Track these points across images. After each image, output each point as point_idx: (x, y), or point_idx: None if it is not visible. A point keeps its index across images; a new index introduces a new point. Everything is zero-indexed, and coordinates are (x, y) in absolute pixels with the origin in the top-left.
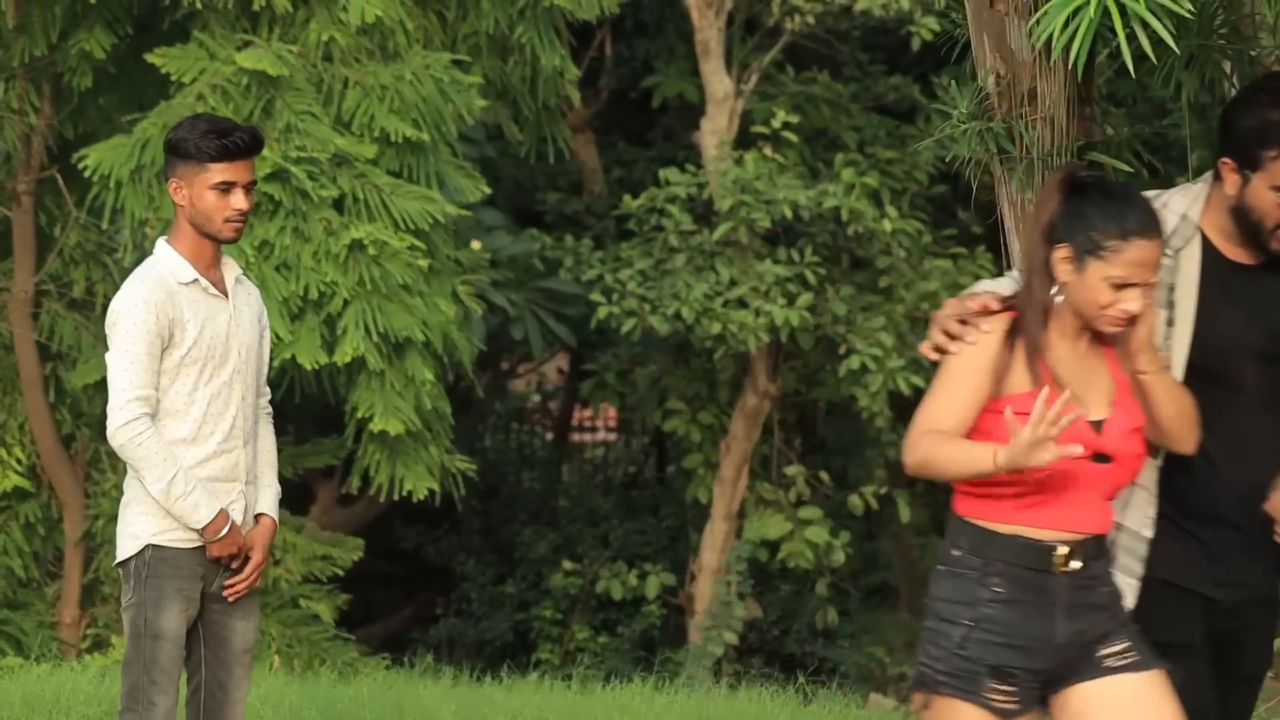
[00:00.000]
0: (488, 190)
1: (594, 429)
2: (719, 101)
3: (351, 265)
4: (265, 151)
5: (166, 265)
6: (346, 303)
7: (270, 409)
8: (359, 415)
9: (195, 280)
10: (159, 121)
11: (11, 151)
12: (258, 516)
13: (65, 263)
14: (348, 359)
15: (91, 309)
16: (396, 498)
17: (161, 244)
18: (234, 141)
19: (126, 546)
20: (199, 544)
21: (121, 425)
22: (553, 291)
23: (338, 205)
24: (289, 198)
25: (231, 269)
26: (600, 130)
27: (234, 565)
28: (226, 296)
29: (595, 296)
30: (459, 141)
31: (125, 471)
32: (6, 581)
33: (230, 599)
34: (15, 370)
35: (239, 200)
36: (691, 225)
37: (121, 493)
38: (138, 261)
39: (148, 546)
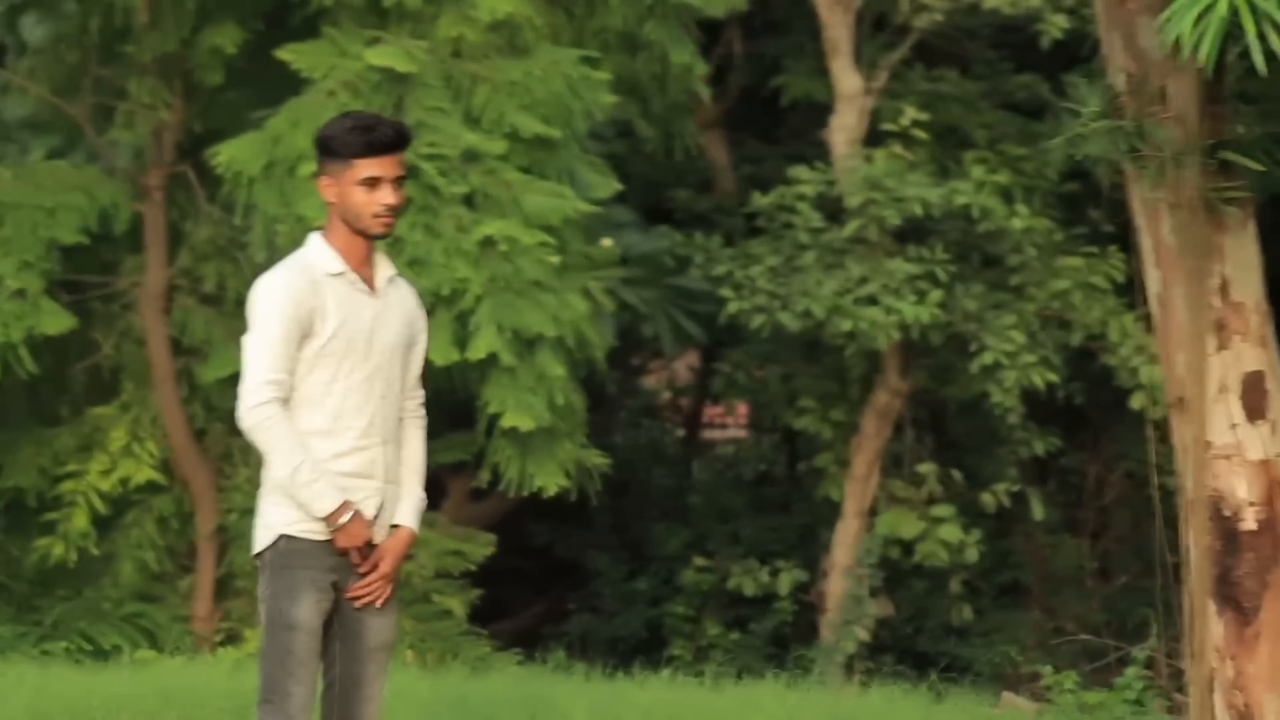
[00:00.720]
0: (618, 187)
1: (725, 426)
2: (848, 99)
3: (483, 262)
4: None
5: (315, 256)
6: (478, 299)
7: (423, 414)
8: (490, 411)
9: (342, 274)
10: (290, 118)
11: (143, 146)
12: (394, 527)
13: (197, 258)
14: (480, 355)
15: (223, 304)
16: (526, 494)
17: (314, 236)
18: (379, 137)
19: (261, 537)
20: (331, 536)
21: (251, 407)
22: (683, 288)
23: (468, 202)
24: (420, 194)
25: (385, 268)
26: (729, 127)
27: (361, 569)
28: (375, 293)
29: (725, 293)
30: (588, 138)
31: (259, 464)
32: (140, 575)
33: (356, 606)
34: (148, 365)
35: (387, 195)
36: (821, 222)
37: (255, 487)
38: (269, 257)
39: (281, 537)
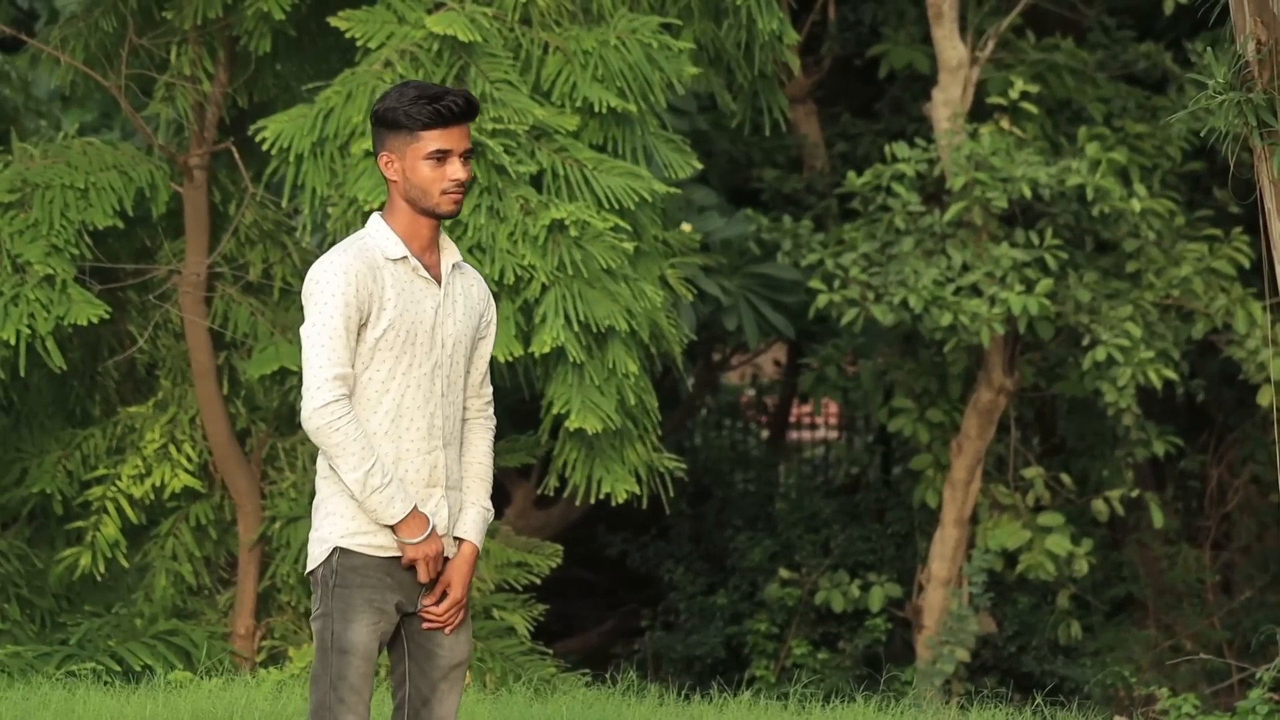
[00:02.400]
0: (699, 166)
1: (813, 427)
2: (952, 70)
3: (551, 247)
4: None
5: (375, 238)
6: (545, 288)
7: (490, 415)
8: (555, 411)
9: (404, 258)
10: (343, 90)
11: (184, 122)
12: (459, 541)
13: (240, 243)
14: (546, 349)
15: (269, 293)
16: (594, 500)
17: (375, 218)
18: (447, 106)
19: (315, 552)
20: (393, 553)
21: (320, 406)
22: (769, 277)
23: (536, 182)
24: (484, 174)
25: (451, 253)
26: (822, 101)
27: (427, 601)
28: (439, 282)
29: (815, 284)
30: (668, 113)
31: (307, 469)
32: (175, 589)
33: (425, 629)
34: (186, 360)
35: (456, 170)
36: (921, 205)
37: (301, 493)
38: (319, 242)
39: (336, 551)
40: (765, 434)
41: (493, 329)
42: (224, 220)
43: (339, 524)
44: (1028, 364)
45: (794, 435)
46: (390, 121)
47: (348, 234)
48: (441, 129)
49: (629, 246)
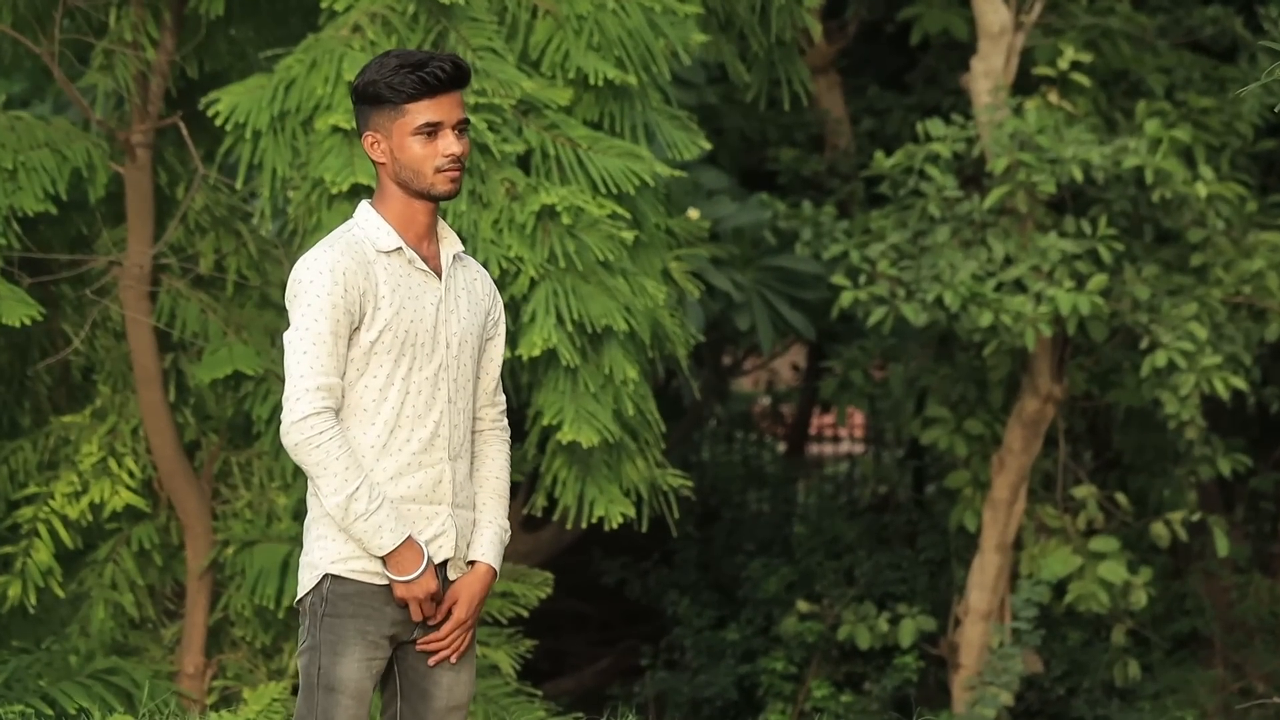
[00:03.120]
0: (708, 146)
1: (836, 439)
2: (993, 37)
3: (540, 237)
4: None
5: (364, 229)
6: (534, 283)
7: (505, 426)
8: (545, 422)
9: (399, 249)
10: (306, 58)
11: (125, 94)
12: (471, 563)
13: (189, 231)
14: (535, 352)
15: (221, 288)
16: (585, 525)
17: (364, 206)
18: (433, 72)
19: (304, 580)
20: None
21: (298, 420)
22: (787, 271)
23: (523, 163)
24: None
25: (451, 243)
26: (847, 72)
27: (430, 621)
28: (439, 275)
29: (838, 279)
30: (672, 86)
31: (264, 487)
32: (116, 622)
33: (430, 663)
34: (128, 363)
35: (450, 143)
36: (958, 190)
37: (258, 514)
38: (280, 230)
39: (326, 578)
40: (782, 448)
41: (502, 328)
42: (171, 205)
43: (330, 548)
44: (1078, 369)
45: (814, 449)
46: (372, 96)
47: (311, 221)
48: (430, 99)
49: (628, 236)
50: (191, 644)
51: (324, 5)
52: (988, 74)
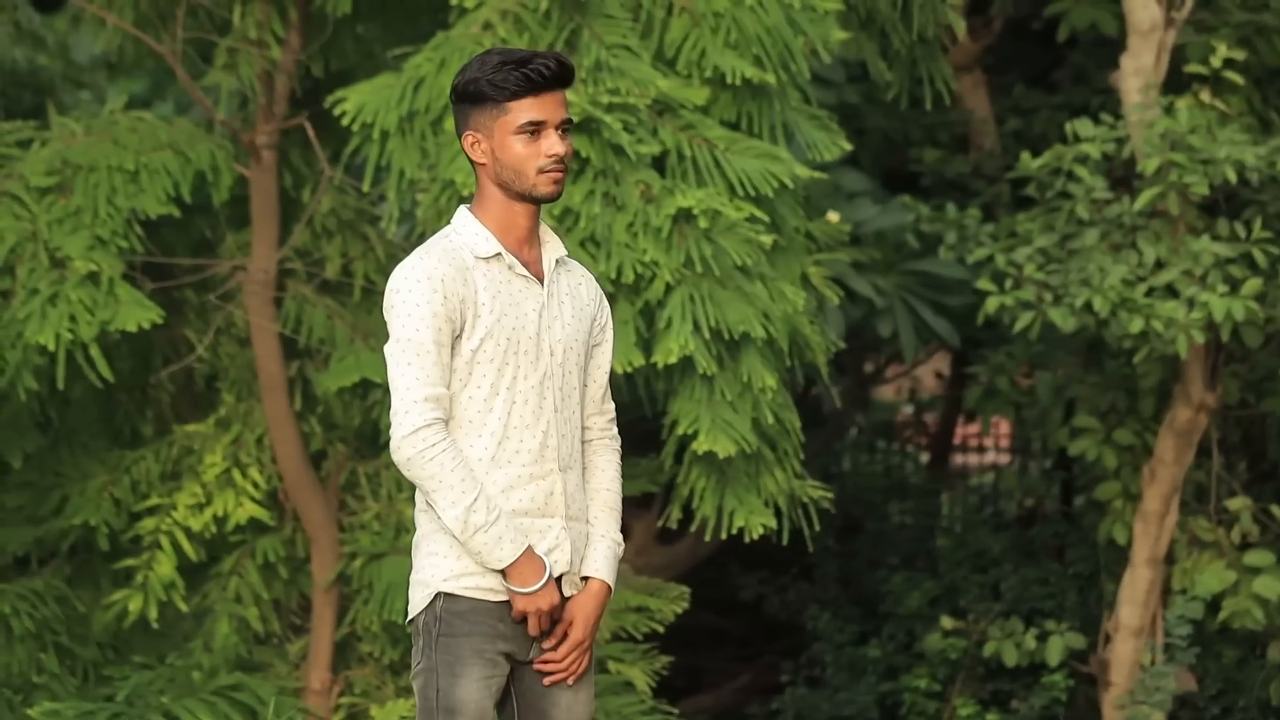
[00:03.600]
0: (848, 147)
1: (981, 449)
2: (1144, 33)
3: (676, 241)
4: (570, 95)
5: (463, 235)
6: (669, 288)
7: (615, 435)
8: (680, 431)
9: (498, 255)
10: (436, 57)
11: (249, 94)
12: (585, 580)
13: (316, 235)
14: (671, 359)
15: (348, 293)
16: (725, 535)
17: (462, 212)
18: (536, 70)
19: (415, 598)
20: (506, 596)
21: (409, 434)
22: (931, 276)
23: (659, 165)
24: (598, 154)
25: (554, 247)
26: (992, 70)
27: (546, 643)
28: (541, 281)
29: (984, 284)
30: (812, 85)
31: (392, 498)
32: (240, 637)
33: (545, 684)
34: (252, 370)
35: (553, 143)
36: (1107, 192)
37: (386, 526)
38: (409, 234)
39: (439, 596)
40: (925, 458)
41: (609, 334)
42: (296, 208)
43: (442, 565)
44: (1232, 377)
45: (958, 460)
46: (472, 94)
47: (441, 224)
48: (533, 97)
49: (767, 240)
50: (318, 660)
51: (454, 2)
52: (1138, 72)
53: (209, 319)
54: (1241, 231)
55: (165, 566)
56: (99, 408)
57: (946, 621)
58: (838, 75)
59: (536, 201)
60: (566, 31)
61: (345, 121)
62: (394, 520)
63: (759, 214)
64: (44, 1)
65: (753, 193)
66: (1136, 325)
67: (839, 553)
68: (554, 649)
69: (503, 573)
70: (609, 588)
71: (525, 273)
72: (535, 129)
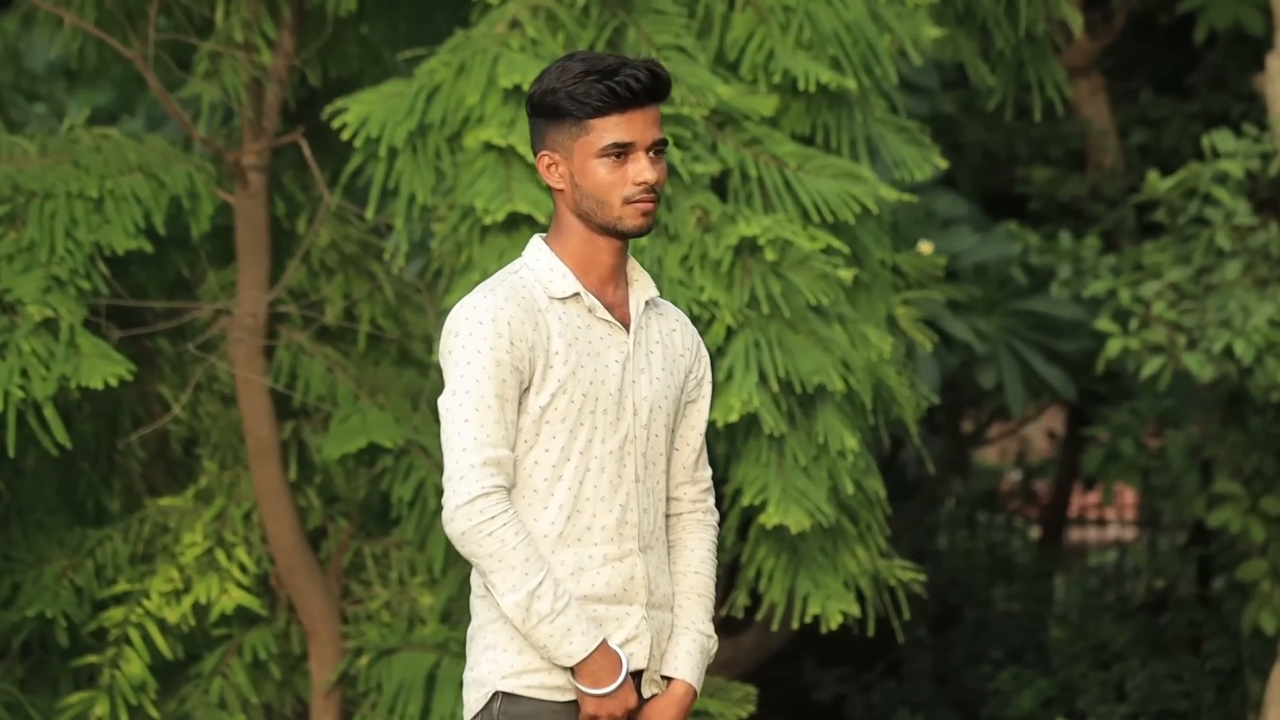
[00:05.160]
0: (943, 164)
1: (1103, 523)
2: None
3: (739, 276)
4: None
5: (535, 271)
6: (731, 332)
7: (712, 510)
8: (745, 502)
9: (577, 295)
10: (453, 60)
11: (235, 107)
12: (667, 680)
13: (313, 272)
14: (733, 417)
15: (352, 342)
16: (798, 625)
17: (535, 243)
18: (625, 82)
19: (471, 700)
20: (573, 695)
21: (464, 503)
22: (1041, 316)
23: (719, 186)
24: None
25: (644, 287)
26: (1114, 74)
27: None
28: (627, 328)
29: (1104, 324)
30: (900, 92)
31: (404, 583)
32: None
33: None
34: (239, 433)
35: (642, 169)
36: (1251, 217)
37: (398, 616)
38: (422, 270)
39: (496, 696)
40: (1035, 533)
41: (706, 389)
42: (290, 241)
43: (501, 659)
44: None
45: (1075, 535)
46: (550, 108)
47: (460, 259)
48: (620, 114)
49: (846, 275)
50: None
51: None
52: None
53: (187, 373)
54: None
55: (135, 665)
56: (57, 479)
57: None
58: (931, 81)
59: (622, 236)
60: (609, 30)
61: (346, 136)
62: (406, 610)
63: (837, 244)
64: None
65: (830, 219)
66: None
67: (933, 645)
68: None
69: (571, 670)
70: (694, 691)
71: (608, 317)
72: (622, 152)
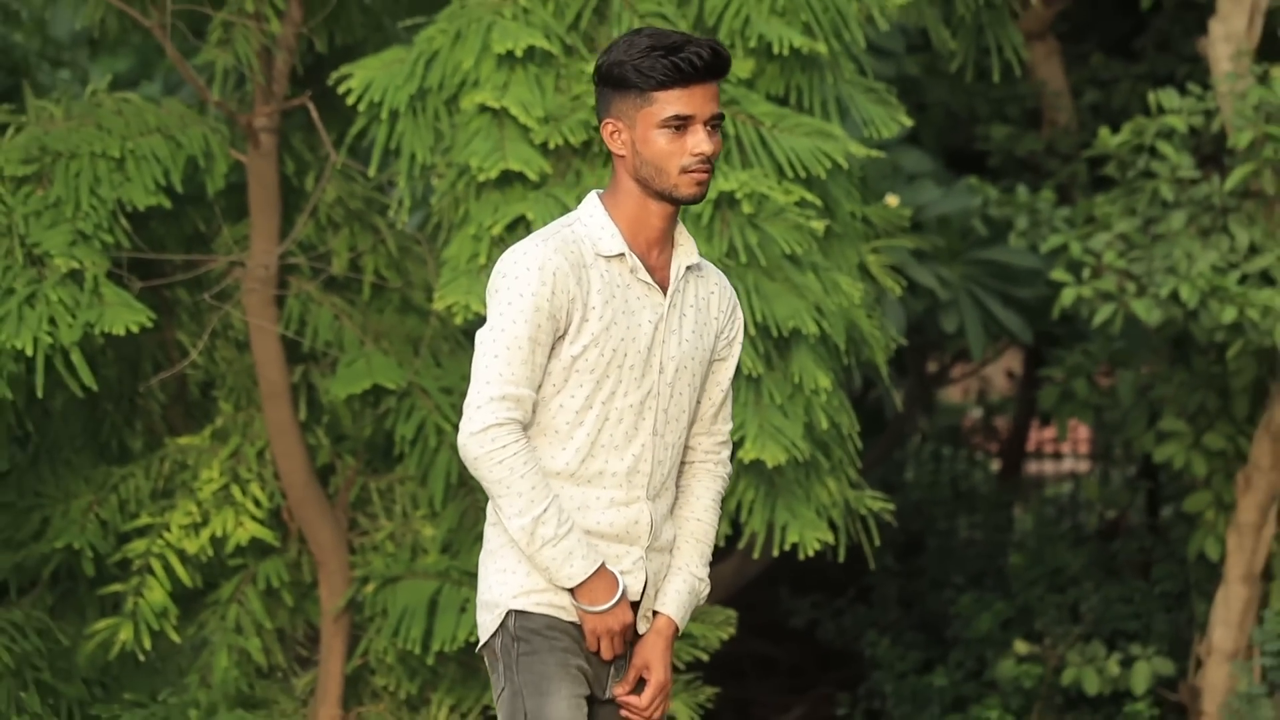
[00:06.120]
0: (909, 123)
1: (1058, 457)
2: None
3: (718, 228)
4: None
5: (588, 227)
6: None
7: (724, 462)
8: None
9: (621, 255)
10: (450, 28)
11: (247, 73)
12: (656, 615)
13: (321, 226)
14: None
15: (357, 291)
16: (776, 553)
17: (592, 199)
18: (688, 59)
19: (485, 622)
20: (576, 616)
21: (478, 431)
22: (1000, 265)
23: None
24: None
25: (687, 252)
26: (1068, 37)
27: (619, 688)
28: (664, 290)
29: (1059, 274)
30: (868, 55)
31: (408, 515)
32: (241, 671)
33: None
34: (252, 377)
35: (699, 140)
36: (1195, 170)
37: (402, 546)
38: (422, 224)
39: (510, 614)
40: (995, 467)
41: (735, 350)
42: (299, 198)
43: (511, 581)
44: None
45: (1032, 468)
46: (616, 79)
47: (457, 213)
48: (682, 88)
49: (818, 226)
50: (327, 695)
51: None
52: (1229, 38)
53: (203, 320)
54: None
55: (157, 593)
56: (82, 420)
57: (1020, 646)
58: (896, 45)
59: (676, 203)
60: (595, 0)
61: (350, 100)
62: (410, 541)
63: (810, 197)
64: None
65: (803, 174)
66: (1229, 316)
67: (900, 572)
68: (633, 694)
69: (572, 592)
70: (674, 625)
71: (648, 279)
72: (682, 124)
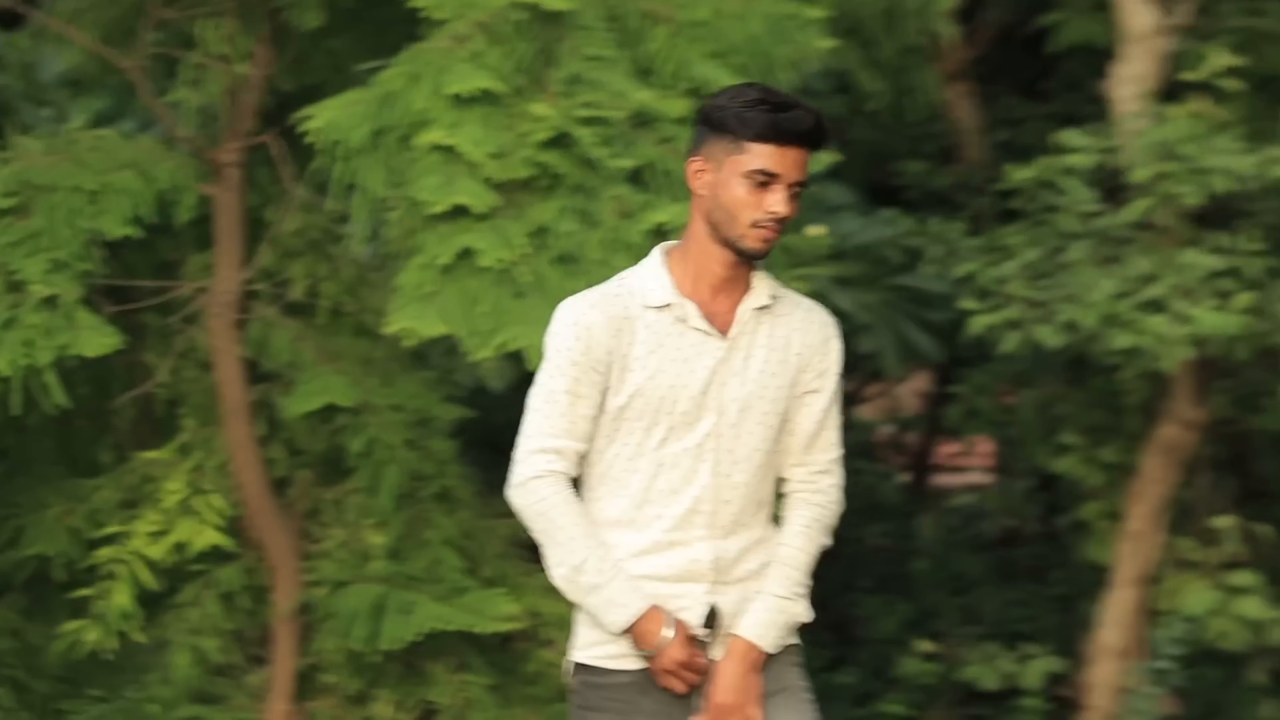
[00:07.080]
0: (832, 159)
1: (962, 469)
2: (1138, 39)
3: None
4: (543, 109)
5: (640, 279)
6: None
7: (823, 490)
8: None
9: (667, 306)
10: (407, 71)
11: (215, 110)
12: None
13: (282, 256)
14: None
15: (314, 315)
16: None
17: (654, 252)
18: (790, 121)
19: (567, 664)
20: (638, 663)
21: (519, 484)
22: (914, 291)
23: (635, 179)
24: (572, 169)
25: (757, 296)
26: (981, 80)
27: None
28: (723, 335)
29: (968, 303)
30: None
31: (360, 524)
32: (199, 668)
33: None
34: (215, 395)
35: (778, 201)
36: (1096, 204)
37: (352, 554)
38: (375, 254)
39: (576, 669)
40: (904, 478)
41: (828, 382)
42: (262, 228)
43: (581, 632)
44: (1221, 393)
45: (938, 480)
46: (716, 122)
47: (409, 244)
48: (776, 145)
49: None
50: (279, 691)
51: (427, 14)
52: (1131, 80)
53: (170, 343)
54: (1233, 244)
55: (122, 596)
56: (56, 435)
57: (922, 645)
58: (822, 86)
59: (738, 254)
60: (543, 43)
61: (312, 138)
62: (359, 548)
63: None
64: (5, 17)
65: None
66: (1124, 340)
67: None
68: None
69: (626, 636)
70: (751, 647)
71: (703, 325)
72: (766, 180)
